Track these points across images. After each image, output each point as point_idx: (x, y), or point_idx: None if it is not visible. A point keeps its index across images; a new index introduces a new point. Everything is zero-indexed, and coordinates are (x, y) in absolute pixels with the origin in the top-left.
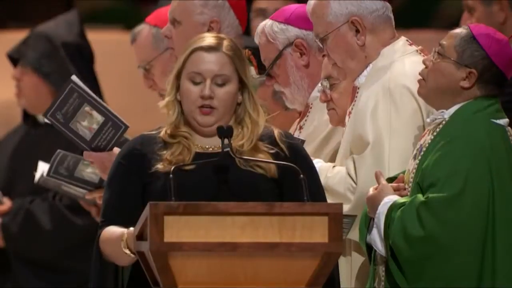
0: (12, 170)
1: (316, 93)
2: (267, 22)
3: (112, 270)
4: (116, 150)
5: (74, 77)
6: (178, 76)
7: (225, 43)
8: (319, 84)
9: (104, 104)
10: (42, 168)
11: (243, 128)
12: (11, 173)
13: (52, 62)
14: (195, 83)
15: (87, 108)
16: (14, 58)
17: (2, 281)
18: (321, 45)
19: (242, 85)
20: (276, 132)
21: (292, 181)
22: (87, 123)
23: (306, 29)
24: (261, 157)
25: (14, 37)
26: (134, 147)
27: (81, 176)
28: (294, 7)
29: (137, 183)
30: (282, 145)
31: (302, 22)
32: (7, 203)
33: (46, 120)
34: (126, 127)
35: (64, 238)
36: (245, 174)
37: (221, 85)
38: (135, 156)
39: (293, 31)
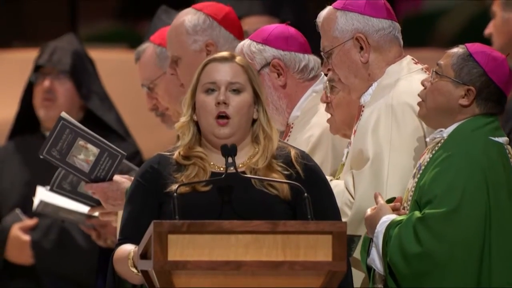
0: (29, 186)
1: (296, 112)
2: (245, 42)
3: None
4: (117, 178)
5: (63, 114)
6: (193, 94)
7: (238, 57)
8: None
9: (98, 136)
10: (41, 193)
11: (259, 145)
12: (28, 189)
13: (83, 74)
14: (210, 92)
15: (81, 142)
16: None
17: None
18: (326, 59)
19: (257, 99)
20: (293, 152)
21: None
22: (84, 156)
23: (283, 50)
24: (275, 177)
25: (19, 57)
26: (152, 166)
27: (84, 192)
28: (272, 27)
29: (154, 202)
30: (298, 167)
31: (280, 42)
32: (32, 220)
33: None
34: (123, 155)
35: (97, 256)
36: (259, 194)
37: (236, 92)
38: (152, 175)
39: (270, 51)
